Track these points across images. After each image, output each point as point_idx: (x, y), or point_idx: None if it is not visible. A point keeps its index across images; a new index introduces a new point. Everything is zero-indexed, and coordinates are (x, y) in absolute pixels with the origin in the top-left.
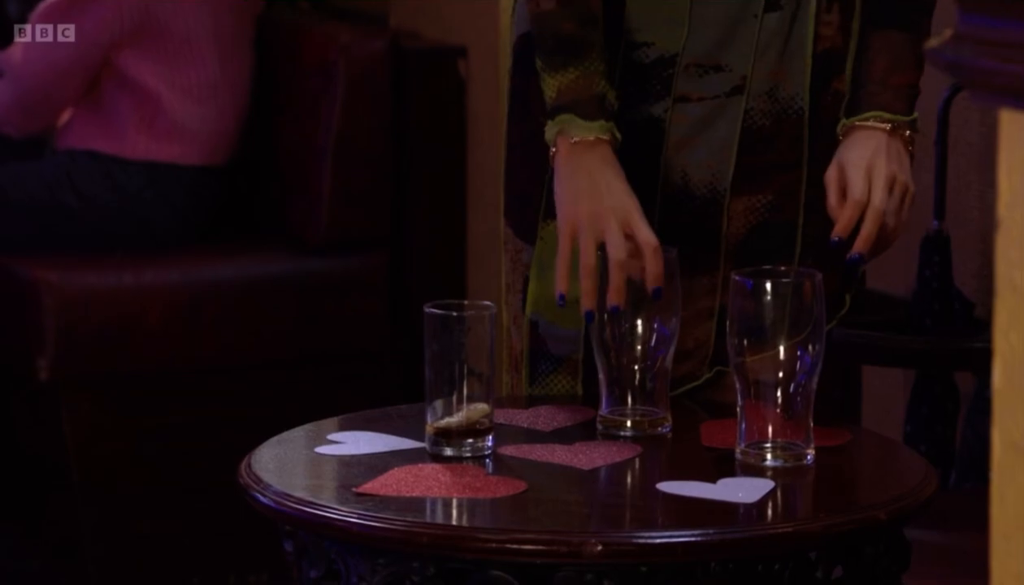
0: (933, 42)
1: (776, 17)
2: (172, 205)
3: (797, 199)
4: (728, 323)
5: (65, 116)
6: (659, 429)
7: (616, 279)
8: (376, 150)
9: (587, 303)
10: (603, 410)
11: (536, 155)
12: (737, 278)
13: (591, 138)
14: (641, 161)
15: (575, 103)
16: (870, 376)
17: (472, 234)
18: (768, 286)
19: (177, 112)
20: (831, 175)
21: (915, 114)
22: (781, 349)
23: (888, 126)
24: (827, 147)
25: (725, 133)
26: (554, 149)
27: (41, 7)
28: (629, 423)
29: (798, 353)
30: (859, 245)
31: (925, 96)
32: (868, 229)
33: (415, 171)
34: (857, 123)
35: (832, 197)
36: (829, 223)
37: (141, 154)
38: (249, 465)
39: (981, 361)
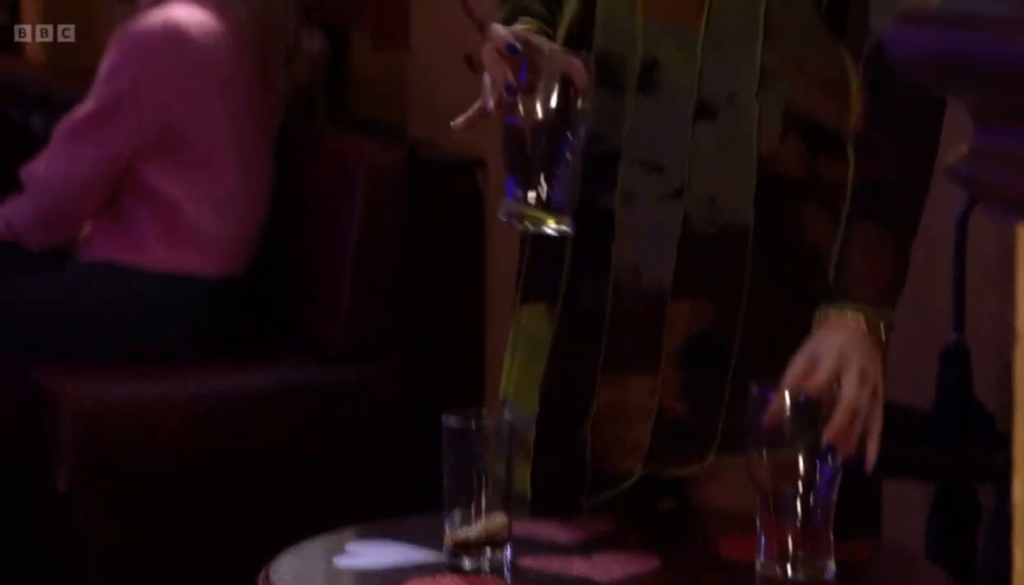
0: (949, 157)
1: (710, 127)
2: (191, 315)
3: (737, 314)
4: (747, 434)
5: (86, 228)
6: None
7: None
8: (394, 260)
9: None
10: (511, 195)
11: (521, 241)
12: (756, 390)
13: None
14: (595, 253)
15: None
16: (890, 489)
17: (491, 341)
18: (787, 397)
19: (197, 222)
20: (798, 362)
21: (892, 313)
22: (800, 461)
23: (863, 322)
24: (775, 270)
25: (666, 235)
26: None
27: (65, 121)
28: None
29: (817, 465)
30: (828, 434)
31: (942, 209)
32: (838, 420)
33: (434, 281)
34: (832, 313)
35: (791, 377)
36: (767, 345)
37: (160, 264)
38: (267, 577)
39: (1002, 475)
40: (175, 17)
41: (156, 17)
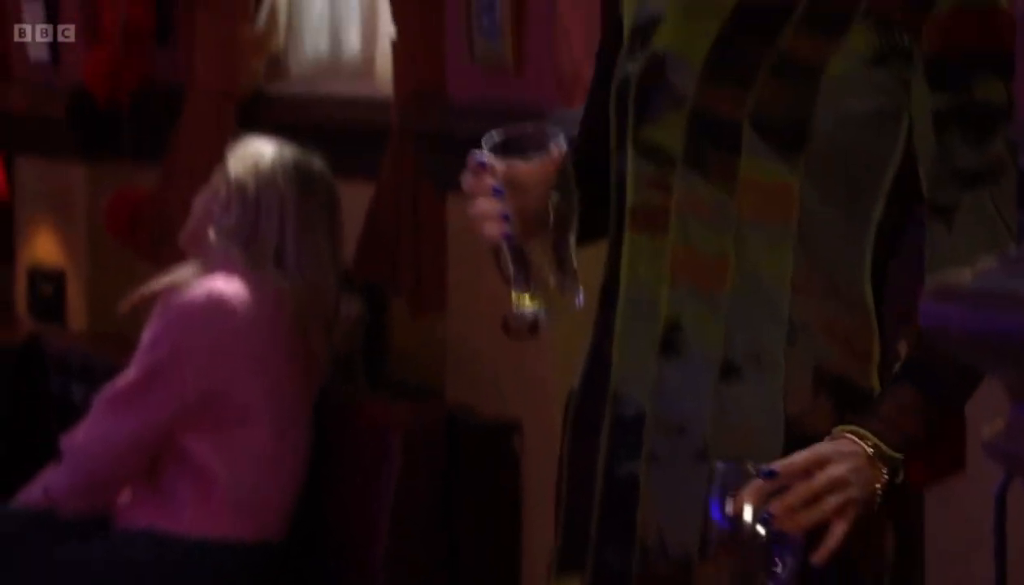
0: (986, 432)
1: (735, 387)
2: (226, 581)
3: (763, 575)
4: (706, 510)
5: (124, 495)
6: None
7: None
8: (430, 524)
9: (489, 224)
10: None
11: (556, 505)
12: (721, 466)
13: None
14: (621, 519)
15: None
16: None
17: None
18: (757, 483)
19: (234, 488)
20: (799, 455)
21: (900, 456)
22: (756, 544)
23: (872, 450)
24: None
25: (691, 498)
26: None
27: (105, 390)
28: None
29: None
30: (778, 504)
31: (980, 482)
32: (792, 495)
33: (470, 544)
34: (846, 432)
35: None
36: None
37: (196, 530)
38: None
39: None
40: (218, 289)
41: (199, 288)
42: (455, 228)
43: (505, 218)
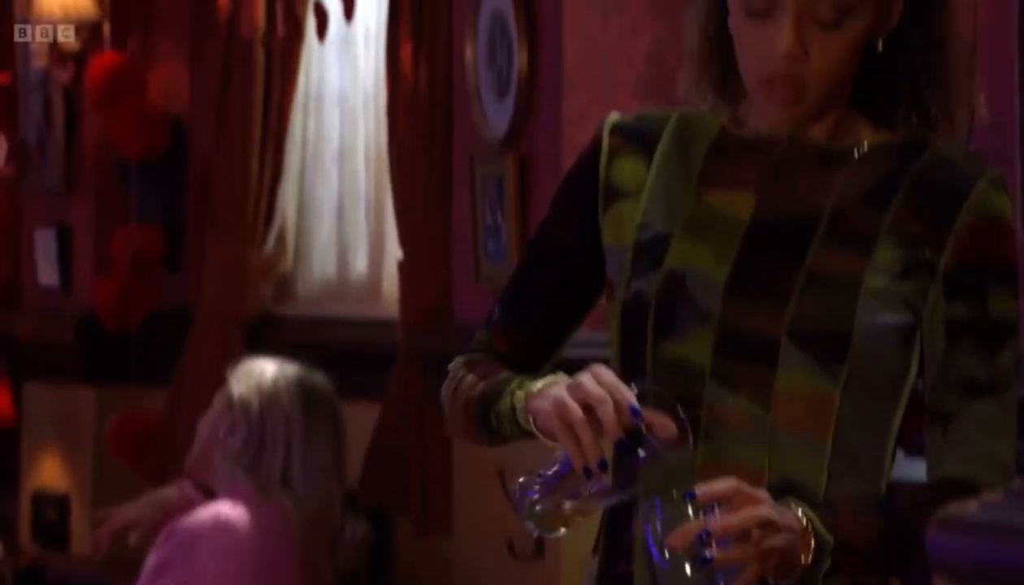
0: None
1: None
2: None
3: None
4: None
5: None
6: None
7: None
8: None
9: (592, 455)
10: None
11: None
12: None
13: (551, 380)
14: None
15: (519, 382)
16: None
17: None
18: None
19: None
20: (727, 481)
21: (830, 539)
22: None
23: (806, 523)
24: None
25: None
26: (528, 416)
27: None
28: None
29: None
30: (718, 524)
31: None
32: (737, 518)
33: None
34: (791, 503)
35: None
36: None
37: None
38: None
39: None
40: (224, 515)
41: (205, 514)
42: (461, 449)
43: (603, 465)
